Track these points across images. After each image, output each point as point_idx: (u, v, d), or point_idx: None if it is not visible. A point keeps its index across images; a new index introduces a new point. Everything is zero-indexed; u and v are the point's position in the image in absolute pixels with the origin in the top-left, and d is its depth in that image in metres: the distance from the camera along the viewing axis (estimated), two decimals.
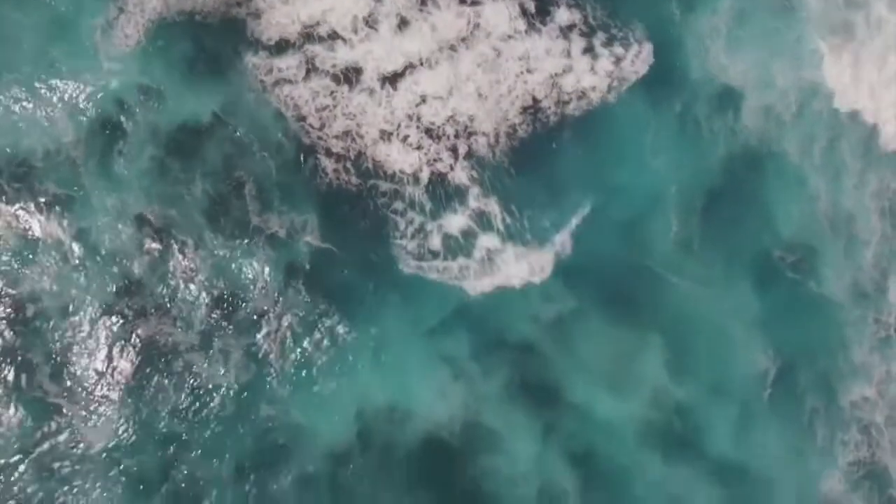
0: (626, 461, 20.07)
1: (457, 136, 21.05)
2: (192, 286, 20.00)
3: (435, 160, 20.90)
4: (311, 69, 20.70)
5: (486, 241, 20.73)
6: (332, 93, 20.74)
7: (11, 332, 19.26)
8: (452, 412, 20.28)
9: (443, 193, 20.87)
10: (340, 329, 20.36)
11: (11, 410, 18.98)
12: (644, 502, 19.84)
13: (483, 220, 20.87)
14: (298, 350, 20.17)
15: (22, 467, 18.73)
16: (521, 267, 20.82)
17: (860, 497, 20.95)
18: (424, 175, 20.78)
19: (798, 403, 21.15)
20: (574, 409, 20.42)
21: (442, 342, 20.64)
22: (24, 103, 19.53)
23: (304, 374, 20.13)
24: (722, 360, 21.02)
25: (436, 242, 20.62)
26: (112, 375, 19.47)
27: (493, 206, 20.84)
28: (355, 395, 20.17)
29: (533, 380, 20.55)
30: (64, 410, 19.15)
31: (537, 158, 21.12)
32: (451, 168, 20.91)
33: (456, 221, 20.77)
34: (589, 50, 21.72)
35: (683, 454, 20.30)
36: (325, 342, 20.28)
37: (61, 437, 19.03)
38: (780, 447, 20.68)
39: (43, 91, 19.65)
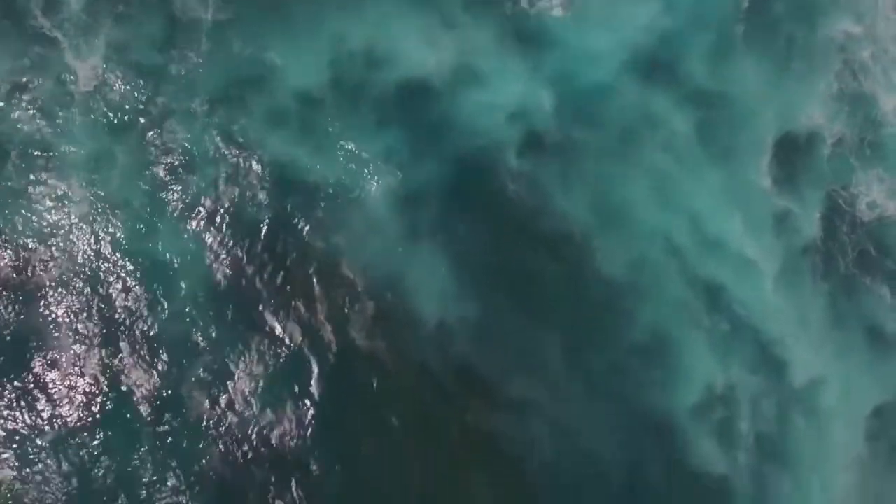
0: (604, 81, 19.87)
1: None
2: None
3: None
4: None
5: None
6: None
7: None
8: (441, 58, 20.10)
9: None
10: None
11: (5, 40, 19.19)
12: (620, 118, 19.54)
13: None
14: None
15: (13, 101, 18.95)
16: None
17: (841, 123, 20.58)
18: None
19: (776, 34, 20.72)
20: (562, 45, 20.26)
21: None
22: None
23: (280, 15, 19.98)
24: None
25: None
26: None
27: None
28: (333, 38, 20.04)
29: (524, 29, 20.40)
30: (58, 43, 19.32)
31: None
32: None
33: None
34: None
35: (662, 79, 20.11)
36: None
37: (53, 74, 19.22)
38: (760, 77, 20.35)
39: None
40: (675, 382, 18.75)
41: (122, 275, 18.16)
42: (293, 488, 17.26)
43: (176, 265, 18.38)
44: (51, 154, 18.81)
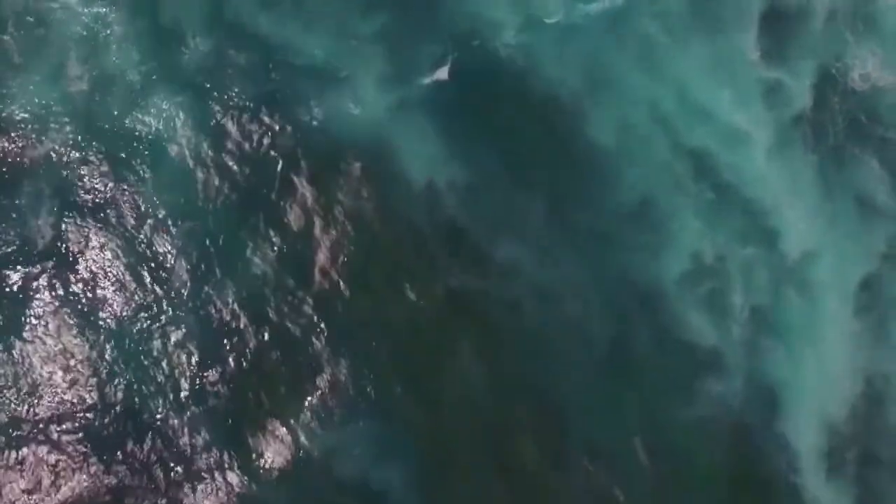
0: None
1: None
2: None
3: None
4: None
5: None
6: None
7: None
8: None
9: None
10: None
11: None
12: None
13: None
14: None
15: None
16: None
17: None
18: None
19: None
20: None
21: None
22: None
23: None
24: None
25: None
26: None
27: None
28: None
29: None
30: None
31: None
32: None
33: None
34: None
35: None
36: None
37: None
38: None
39: None
40: (663, 249, 18.66)
41: (115, 148, 18.06)
42: (278, 352, 17.13)
43: (167, 136, 18.34)
44: (47, 27, 18.91)
